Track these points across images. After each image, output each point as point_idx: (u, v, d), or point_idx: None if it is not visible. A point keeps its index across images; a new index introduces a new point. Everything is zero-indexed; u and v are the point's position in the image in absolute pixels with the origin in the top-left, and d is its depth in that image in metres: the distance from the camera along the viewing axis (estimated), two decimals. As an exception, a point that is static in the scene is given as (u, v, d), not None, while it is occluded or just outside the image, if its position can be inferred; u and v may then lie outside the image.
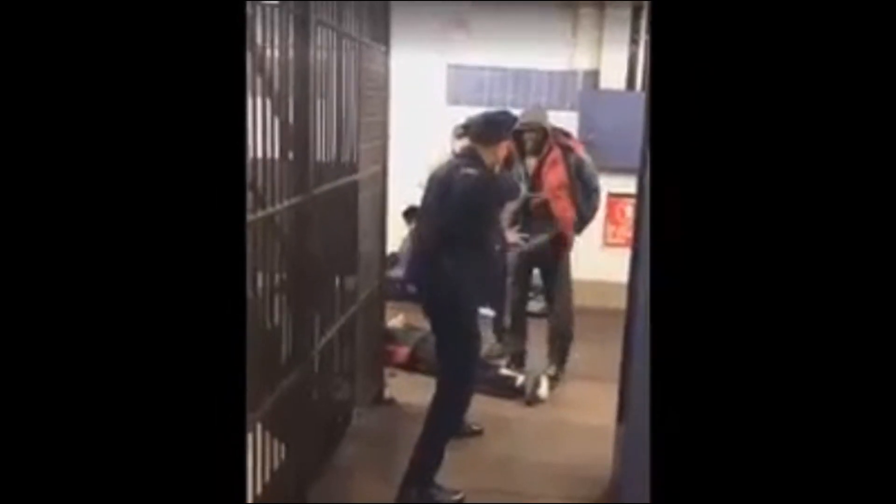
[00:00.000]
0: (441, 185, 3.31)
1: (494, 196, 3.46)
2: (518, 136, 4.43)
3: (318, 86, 2.98)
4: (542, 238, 4.46)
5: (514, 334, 4.71)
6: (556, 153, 4.50)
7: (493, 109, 3.70)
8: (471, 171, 3.26)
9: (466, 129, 3.47)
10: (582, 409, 4.28)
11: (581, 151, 4.60)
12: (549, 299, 4.67)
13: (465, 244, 3.27)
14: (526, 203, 4.40)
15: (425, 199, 3.43)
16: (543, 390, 4.41)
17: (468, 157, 3.37)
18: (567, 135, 4.65)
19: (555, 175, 4.49)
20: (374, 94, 3.92)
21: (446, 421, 3.38)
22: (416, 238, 3.68)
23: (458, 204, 3.22)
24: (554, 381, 4.54)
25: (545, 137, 4.48)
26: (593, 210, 4.63)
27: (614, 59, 6.02)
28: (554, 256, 4.56)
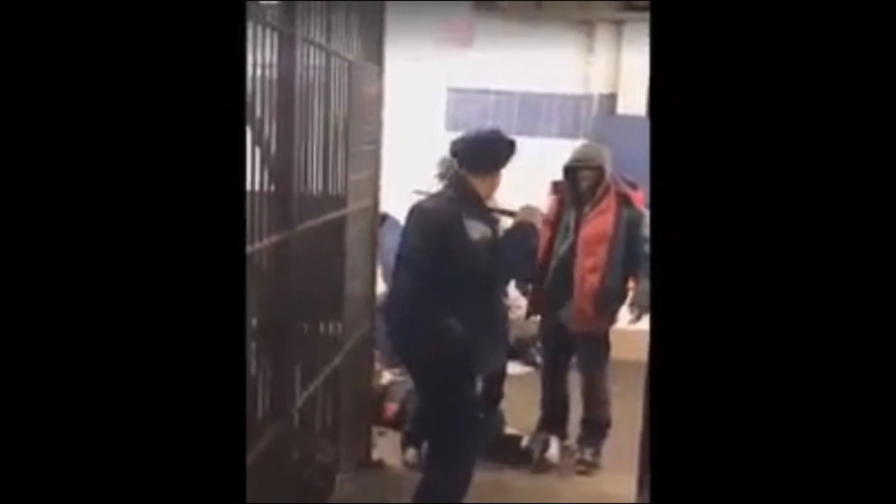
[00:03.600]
0: (435, 233, 3.23)
1: (506, 267, 3.35)
2: (571, 176, 4.29)
3: (304, 111, 3.00)
4: (565, 311, 4.29)
5: (553, 407, 4.54)
6: (611, 200, 4.22)
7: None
8: (479, 229, 3.19)
9: (454, 155, 3.40)
10: (599, 476, 4.25)
11: (643, 206, 4.23)
12: (583, 380, 4.47)
13: (472, 303, 3.22)
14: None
15: (408, 239, 3.37)
16: (554, 453, 4.35)
17: (459, 189, 3.31)
18: (632, 184, 4.31)
19: (598, 224, 4.21)
20: (366, 120, 3.94)
21: None
22: (396, 283, 3.55)
23: (464, 272, 3.17)
24: (592, 467, 4.35)
25: (601, 179, 4.22)
26: (632, 290, 4.25)
27: (633, 82, 6.01)
28: (572, 335, 4.35)
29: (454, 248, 3.18)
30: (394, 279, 3.54)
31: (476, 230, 3.22)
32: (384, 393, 4.80)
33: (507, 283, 3.63)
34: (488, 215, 3.40)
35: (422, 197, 3.52)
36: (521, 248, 3.36)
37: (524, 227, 3.35)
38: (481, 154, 3.33)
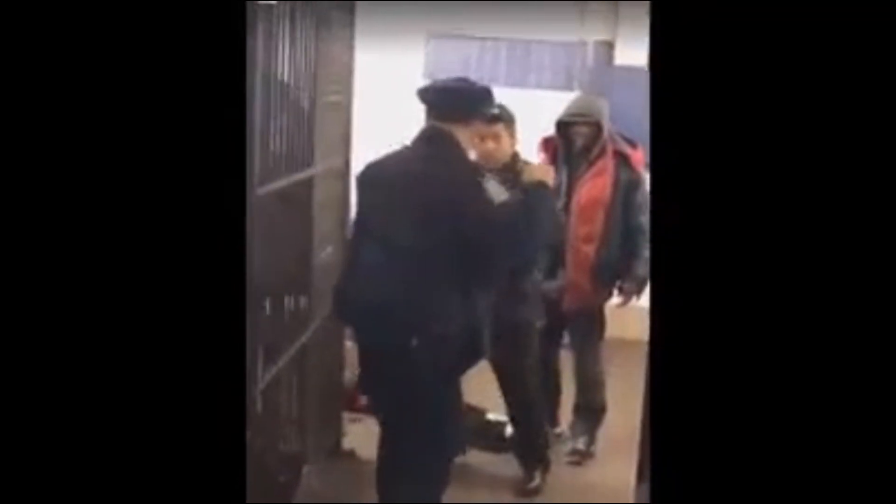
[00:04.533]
0: (446, 197, 2.93)
1: (532, 236, 3.07)
2: (564, 132, 4.17)
3: (265, 60, 2.90)
4: (555, 284, 4.15)
5: (543, 391, 4.35)
6: (608, 161, 4.10)
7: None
8: (497, 191, 2.99)
9: (424, 104, 3.16)
10: (594, 465, 4.20)
11: (642, 168, 4.12)
12: (576, 361, 4.36)
13: (483, 284, 3.03)
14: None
15: (378, 203, 3.09)
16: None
17: (437, 142, 3.07)
18: (630, 142, 4.20)
19: (593, 188, 4.09)
20: (335, 70, 3.83)
21: None
22: (363, 258, 3.18)
23: (487, 243, 2.93)
24: (585, 456, 4.28)
25: (597, 136, 4.10)
26: (630, 265, 4.12)
27: (633, 29, 5.81)
28: (563, 312, 4.21)
29: (475, 214, 2.92)
30: (357, 253, 3.23)
31: (496, 193, 3.05)
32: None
33: (533, 253, 3.47)
34: (501, 174, 3.25)
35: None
36: (545, 213, 3.14)
37: (543, 189, 3.12)
38: (455, 99, 3.13)
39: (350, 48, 4.04)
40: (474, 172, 3.16)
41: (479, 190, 3.01)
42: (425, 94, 3.15)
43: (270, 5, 2.92)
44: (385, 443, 3.23)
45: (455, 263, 2.93)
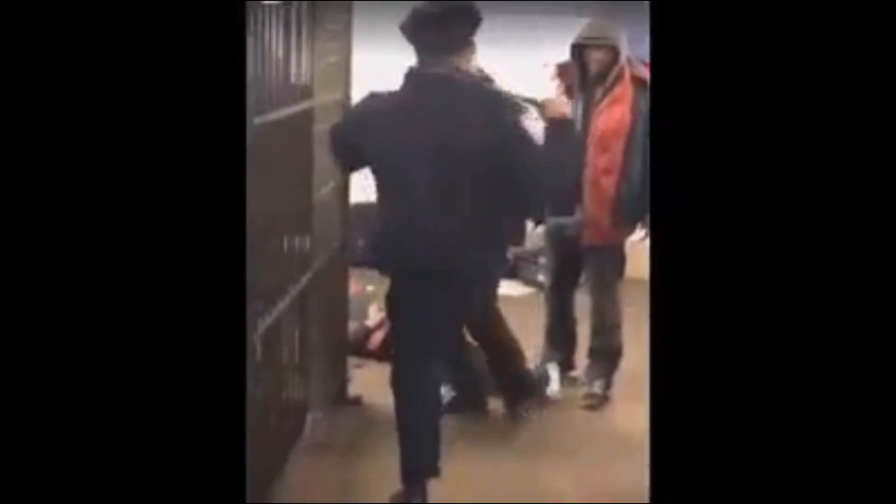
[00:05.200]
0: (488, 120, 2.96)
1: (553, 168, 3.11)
2: (579, 57, 4.07)
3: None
4: (573, 219, 4.07)
5: (558, 334, 4.37)
6: (626, 87, 4.00)
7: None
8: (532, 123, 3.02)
9: (406, 35, 3.07)
10: (609, 410, 4.17)
11: None
12: (593, 302, 4.29)
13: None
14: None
15: (408, 142, 3.03)
16: (555, 386, 4.22)
17: (438, 75, 3.01)
18: (648, 66, 4.07)
19: (612, 115, 3.99)
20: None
21: None
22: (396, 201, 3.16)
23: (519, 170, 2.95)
24: (602, 400, 4.22)
25: (615, 60, 4.01)
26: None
27: None
28: (580, 247, 4.14)
29: (511, 140, 2.97)
30: (392, 200, 3.18)
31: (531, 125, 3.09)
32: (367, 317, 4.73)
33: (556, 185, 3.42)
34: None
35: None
36: (568, 146, 3.24)
37: (565, 122, 3.19)
38: (444, 29, 3.02)
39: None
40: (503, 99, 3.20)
41: (518, 119, 3.05)
42: (411, 31, 3.05)
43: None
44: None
45: (492, 195, 2.99)
